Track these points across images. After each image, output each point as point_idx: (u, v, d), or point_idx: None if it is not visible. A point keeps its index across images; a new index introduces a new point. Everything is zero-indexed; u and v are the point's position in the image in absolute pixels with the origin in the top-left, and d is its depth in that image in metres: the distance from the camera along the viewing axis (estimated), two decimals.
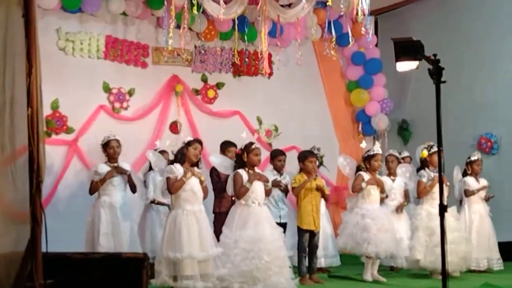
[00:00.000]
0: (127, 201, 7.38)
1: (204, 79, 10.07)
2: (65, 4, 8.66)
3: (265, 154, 8.73)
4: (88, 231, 7.23)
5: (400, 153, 8.95)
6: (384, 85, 11.16)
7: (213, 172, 7.90)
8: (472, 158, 8.32)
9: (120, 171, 7.22)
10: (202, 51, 9.99)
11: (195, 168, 6.49)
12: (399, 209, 8.13)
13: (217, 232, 6.97)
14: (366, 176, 7.40)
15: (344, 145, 11.01)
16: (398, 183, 8.21)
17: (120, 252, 6.27)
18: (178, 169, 6.35)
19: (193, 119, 9.81)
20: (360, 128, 11.30)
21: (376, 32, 11.20)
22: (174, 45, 8.74)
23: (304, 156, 7.42)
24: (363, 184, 7.32)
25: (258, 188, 6.65)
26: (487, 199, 8.32)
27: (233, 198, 7.04)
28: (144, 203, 7.88)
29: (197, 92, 9.99)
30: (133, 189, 7.44)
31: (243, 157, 6.68)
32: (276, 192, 7.64)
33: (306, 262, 7.22)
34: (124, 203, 7.28)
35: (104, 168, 7.24)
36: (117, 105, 9.25)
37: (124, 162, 7.51)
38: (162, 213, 7.59)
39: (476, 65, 10.08)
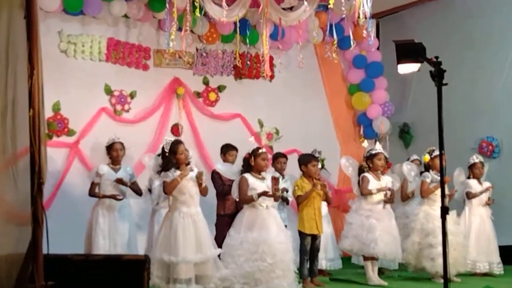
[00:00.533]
0: (127, 203, 7.40)
1: (206, 82, 10.07)
2: (67, 6, 8.67)
3: None
4: (87, 232, 7.28)
5: (409, 157, 8.98)
6: (385, 89, 11.15)
7: (215, 174, 7.90)
8: (471, 162, 8.32)
9: (121, 183, 7.27)
10: (204, 54, 9.98)
11: (193, 166, 6.48)
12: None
13: (219, 235, 6.97)
14: (370, 177, 7.40)
15: (345, 148, 11.00)
16: (385, 182, 8.23)
17: (121, 254, 6.29)
18: (173, 173, 6.34)
19: (194, 122, 9.81)
20: (361, 131, 11.29)
21: (377, 36, 11.20)
22: (176, 48, 8.75)
23: (308, 160, 7.41)
24: (374, 190, 7.32)
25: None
26: (488, 204, 8.31)
27: (237, 200, 7.05)
28: (151, 208, 7.88)
29: (198, 94, 9.99)
30: (139, 193, 7.47)
31: (250, 161, 6.70)
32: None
33: (307, 265, 7.21)
34: (123, 206, 7.31)
35: (105, 170, 7.28)
36: (118, 107, 9.25)
37: (128, 167, 7.54)
38: None
39: (477, 69, 10.07)
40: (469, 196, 8.23)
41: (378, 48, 11.26)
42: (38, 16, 3.78)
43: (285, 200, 7.87)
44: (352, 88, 11.34)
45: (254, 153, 6.72)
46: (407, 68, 4.95)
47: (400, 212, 8.27)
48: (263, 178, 6.72)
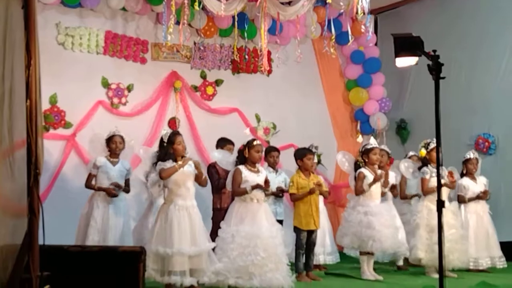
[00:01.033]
0: (122, 197, 7.40)
1: (203, 76, 10.06)
2: None
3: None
4: (80, 223, 7.28)
5: (407, 154, 8.98)
6: (383, 84, 11.16)
7: (212, 169, 7.90)
8: (467, 157, 8.32)
9: (117, 185, 7.28)
10: (202, 48, 9.98)
11: (189, 162, 6.48)
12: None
13: (216, 228, 6.98)
14: (367, 172, 7.40)
15: (342, 144, 11.01)
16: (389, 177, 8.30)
17: (117, 246, 6.28)
18: (171, 164, 6.33)
19: (191, 116, 9.80)
20: (358, 127, 11.30)
21: (375, 31, 11.20)
22: (173, 41, 8.75)
23: (303, 154, 7.41)
24: (366, 187, 7.32)
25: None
26: (486, 198, 8.28)
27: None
28: (147, 202, 7.87)
29: (196, 88, 9.98)
30: (126, 190, 7.46)
31: (244, 153, 6.70)
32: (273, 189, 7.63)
33: (303, 259, 7.22)
34: (119, 199, 7.31)
35: (103, 162, 7.30)
36: (115, 100, 9.24)
37: (126, 162, 7.54)
38: None
39: (474, 65, 10.08)
40: (460, 200, 8.21)
41: (376, 44, 11.27)
42: (36, 8, 3.77)
43: (279, 196, 7.85)
44: (349, 83, 11.35)
45: (249, 145, 6.73)
46: (405, 62, 4.96)
47: (399, 209, 8.26)
48: (257, 171, 6.73)
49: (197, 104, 9.95)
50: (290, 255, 7.13)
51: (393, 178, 8.39)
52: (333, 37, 9.81)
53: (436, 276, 6.73)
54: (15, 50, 3.64)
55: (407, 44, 4.65)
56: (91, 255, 4.77)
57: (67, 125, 8.82)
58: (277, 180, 7.90)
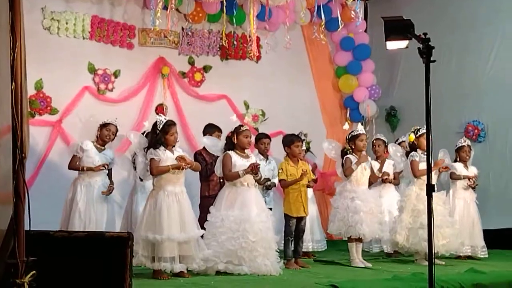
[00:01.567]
0: (106, 184, 7.32)
1: (191, 62, 9.98)
2: None
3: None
4: (65, 209, 7.23)
5: (397, 139, 8.96)
6: (372, 71, 11.13)
7: (199, 156, 7.84)
8: (459, 144, 8.31)
9: (102, 168, 7.23)
10: (190, 33, 9.89)
11: (178, 149, 6.41)
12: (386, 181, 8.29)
13: (204, 216, 6.93)
14: (353, 158, 7.37)
15: (331, 131, 10.99)
16: (387, 166, 8.27)
17: (104, 231, 6.22)
18: (163, 152, 6.25)
19: (179, 102, 9.74)
20: (348, 114, 11.26)
21: (365, 18, 11.16)
22: (161, 27, 8.66)
23: (291, 141, 7.37)
24: (354, 166, 7.29)
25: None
26: (472, 187, 8.28)
27: (221, 180, 7.01)
28: (131, 184, 7.81)
29: (183, 75, 9.90)
30: (110, 187, 7.39)
31: (233, 139, 6.65)
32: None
33: (292, 246, 7.20)
34: (103, 185, 7.25)
35: (89, 146, 7.22)
36: (102, 86, 9.15)
37: (109, 150, 7.45)
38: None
39: (464, 53, 10.08)
40: (452, 176, 8.20)
41: (365, 31, 11.21)
42: None
43: (268, 188, 7.82)
44: (339, 70, 11.30)
45: (236, 130, 6.69)
46: (395, 45, 4.91)
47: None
48: (247, 156, 6.69)
49: (185, 91, 9.88)
50: (279, 242, 7.11)
51: (390, 166, 8.37)
52: (323, 23, 9.72)
53: (425, 263, 6.75)
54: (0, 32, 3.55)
55: (398, 27, 4.61)
56: (77, 241, 4.69)
57: (53, 111, 8.73)
58: (267, 168, 7.85)
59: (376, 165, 8.16)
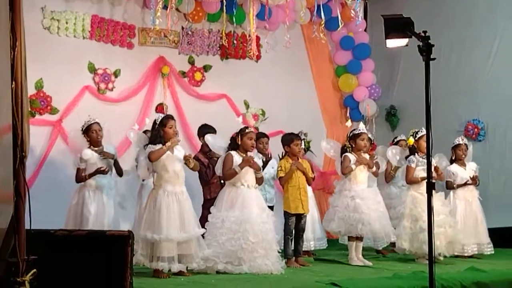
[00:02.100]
0: (112, 184, 7.34)
1: (191, 61, 9.98)
2: None
3: None
4: (71, 215, 7.16)
5: (396, 137, 8.97)
6: (372, 71, 11.14)
7: (197, 159, 7.82)
8: (456, 142, 8.31)
9: (105, 156, 7.19)
10: (189, 33, 9.89)
11: (178, 147, 6.43)
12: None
13: (205, 217, 6.93)
14: (352, 157, 7.37)
15: (331, 130, 11.00)
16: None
17: (104, 230, 6.24)
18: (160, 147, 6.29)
19: (179, 102, 9.73)
20: (348, 114, 11.26)
21: (365, 17, 11.16)
22: (161, 26, 8.67)
23: (290, 140, 7.39)
24: (353, 166, 7.29)
25: (248, 171, 6.64)
26: (475, 184, 8.28)
27: (222, 181, 7.02)
28: (140, 183, 7.81)
29: (183, 74, 9.90)
30: (120, 172, 7.41)
31: (237, 140, 6.67)
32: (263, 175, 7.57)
33: (292, 245, 7.20)
34: (109, 187, 7.26)
35: (89, 154, 7.16)
36: (102, 86, 9.15)
37: (109, 146, 7.43)
38: None
39: (464, 52, 10.09)
40: (448, 187, 8.21)
41: (365, 30, 11.21)
42: None
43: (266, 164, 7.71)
44: (339, 69, 11.30)
45: (241, 132, 6.72)
46: (395, 43, 4.92)
47: (384, 193, 8.25)
48: (250, 157, 6.70)
49: (185, 90, 9.88)
50: (280, 241, 7.12)
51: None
52: (323, 22, 9.72)
53: (425, 262, 6.75)
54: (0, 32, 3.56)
55: (397, 25, 4.62)
56: (78, 239, 4.71)
57: (53, 111, 8.73)
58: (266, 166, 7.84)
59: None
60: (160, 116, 6.47)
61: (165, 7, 8.43)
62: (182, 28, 9.84)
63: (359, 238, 7.36)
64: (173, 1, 8.30)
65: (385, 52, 10.21)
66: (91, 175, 7.11)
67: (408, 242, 7.50)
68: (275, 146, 8.37)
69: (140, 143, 6.47)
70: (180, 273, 6.13)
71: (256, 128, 10.05)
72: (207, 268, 6.31)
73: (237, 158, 6.60)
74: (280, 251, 6.80)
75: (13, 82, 3.81)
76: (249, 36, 9.28)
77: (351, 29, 10.99)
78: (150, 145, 6.28)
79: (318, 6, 9.65)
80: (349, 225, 7.21)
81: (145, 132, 6.88)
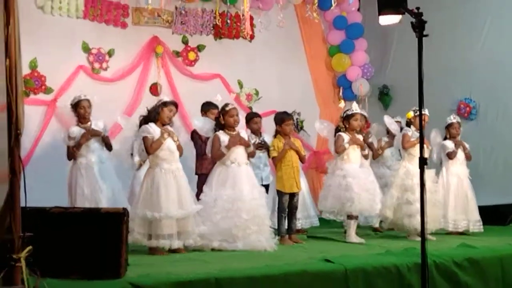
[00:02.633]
0: (104, 160, 7.35)
1: (185, 41, 9.98)
2: None
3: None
4: (68, 194, 7.24)
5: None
6: (365, 50, 11.15)
7: (195, 134, 7.88)
8: (449, 121, 8.38)
9: (93, 133, 7.20)
10: (183, 12, 9.88)
11: (168, 127, 6.46)
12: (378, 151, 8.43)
13: (198, 193, 7.00)
14: (345, 136, 7.42)
15: (324, 110, 11.03)
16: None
17: (99, 207, 6.28)
18: (154, 129, 6.32)
19: (173, 81, 9.74)
20: (341, 93, 11.30)
21: None
22: (154, 6, 8.67)
23: (281, 119, 7.40)
24: (346, 145, 7.34)
25: (237, 148, 6.68)
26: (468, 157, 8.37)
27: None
28: (128, 163, 7.86)
29: (177, 54, 9.91)
30: (109, 148, 7.40)
31: (220, 119, 6.71)
32: (257, 154, 7.61)
33: (285, 223, 7.27)
34: (101, 162, 7.27)
35: (76, 131, 7.20)
36: (96, 65, 9.16)
37: (98, 121, 7.42)
38: None
39: (456, 31, 10.09)
40: (451, 156, 8.28)
41: (358, 10, 11.21)
42: None
43: (261, 147, 7.72)
44: (332, 49, 11.31)
45: (223, 110, 6.75)
46: (388, 20, 4.94)
47: (377, 173, 8.30)
48: (237, 134, 6.74)
49: (179, 70, 9.89)
50: (274, 220, 7.19)
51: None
52: (316, 2, 9.72)
53: (417, 239, 6.84)
54: None
55: (391, 1, 4.63)
56: (73, 217, 4.77)
57: (47, 91, 8.75)
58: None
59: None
60: (165, 98, 6.50)
61: None
62: (176, 7, 9.82)
63: (354, 217, 7.42)
64: None
65: (378, 32, 10.25)
66: (79, 146, 7.11)
67: (392, 211, 7.58)
68: (269, 126, 8.40)
69: (129, 127, 6.50)
70: (175, 250, 6.19)
71: (250, 108, 10.09)
72: (203, 245, 6.37)
73: (224, 137, 6.64)
74: (274, 229, 6.86)
75: (7, 60, 3.83)
76: (243, 15, 9.26)
77: (344, 9, 10.99)
78: (143, 127, 6.29)
79: None
80: (341, 204, 7.27)
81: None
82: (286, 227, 7.27)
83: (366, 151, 7.64)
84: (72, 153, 7.21)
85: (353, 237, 7.36)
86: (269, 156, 7.52)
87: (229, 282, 4.77)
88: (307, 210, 8.29)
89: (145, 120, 6.42)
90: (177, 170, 6.33)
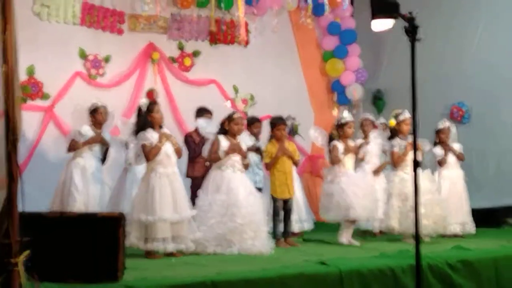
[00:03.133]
0: (99, 167, 7.45)
1: (181, 47, 10.04)
2: None
3: None
4: (58, 190, 7.30)
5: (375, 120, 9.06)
6: (359, 55, 11.22)
7: (189, 138, 7.97)
8: (440, 126, 8.44)
9: (102, 141, 7.40)
10: (178, 19, 9.95)
11: (165, 130, 6.51)
12: (376, 172, 8.30)
13: (193, 197, 7.05)
14: (340, 146, 7.44)
15: (319, 115, 11.09)
16: (373, 146, 8.37)
17: (96, 212, 6.32)
18: (152, 135, 6.36)
19: (169, 87, 9.81)
20: (335, 98, 11.36)
21: (351, 3, 11.22)
22: (150, 12, 8.72)
23: (273, 124, 7.47)
24: (341, 156, 7.38)
25: (234, 156, 6.76)
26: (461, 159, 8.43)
27: (206, 163, 7.12)
28: (123, 166, 7.92)
29: (173, 60, 9.97)
30: (104, 160, 7.53)
31: (225, 125, 6.77)
32: (252, 158, 7.66)
33: (280, 226, 7.31)
34: (96, 169, 7.38)
35: (88, 131, 7.36)
36: (93, 71, 9.23)
37: (107, 133, 7.57)
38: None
39: (449, 35, 10.15)
40: (442, 164, 8.34)
41: (352, 16, 11.29)
42: None
43: (254, 150, 7.80)
44: (326, 54, 11.38)
45: (229, 118, 6.82)
46: (381, 25, 4.97)
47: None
48: (238, 143, 6.80)
49: (175, 76, 9.96)
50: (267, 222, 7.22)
51: (378, 146, 8.50)
52: (310, 8, 9.80)
53: (411, 241, 6.87)
54: None
55: (384, 6, 4.66)
56: (70, 221, 4.80)
57: (44, 97, 8.80)
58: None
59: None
60: (144, 102, 6.54)
61: None
62: (171, 14, 9.89)
63: (353, 221, 7.47)
64: None
65: (371, 37, 10.31)
66: (88, 142, 7.26)
67: (397, 221, 7.61)
68: (264, 131, 8.46)
69: (129, 131, 6.55)
70: (171, 254, 6.22)
71: (245, 113, 10.14)
72: (198, 250, 6.40)
73: (224, 142, 6.70)
74: (270, 232, 6.91)
75: (4, 65, 3.87)
76: (238, 20, 9.32)
77: (338, 15, 11.07)
78: (141, 135, 6.33)
79: None
80: (345, 210, 7.29)
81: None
82: (281, 230, 7.31)
83: (362, 154, 7.67)
84: (75, 147, 7.30)
85: (343, 237, 7.40)
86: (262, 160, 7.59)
87: (226, 285, 4.80)
88: (299, 214, 8.32)
89: (141, 128, 6.41)
90: (173, 175, 6.38)
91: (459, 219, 8.24)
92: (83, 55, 9.17)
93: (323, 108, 11.28)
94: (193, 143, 7.78)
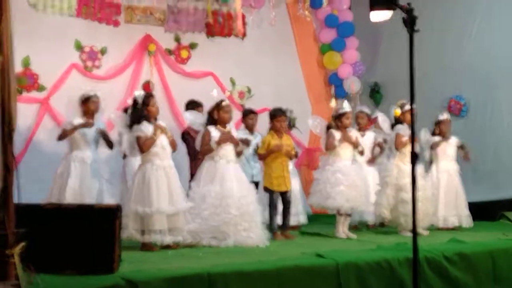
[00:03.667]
0: (97, 158, 7.41)
1: (177, 39, 10.01)
2: None
3: (238, 116, 8.77)
4: (55, 183, 7.25)
5: (371, 114, 9.05)
6: (356, 48, 11.20)
7: (186, 135, 7.91)
8: (440, 118, 8.44)
9: (88, 124, 7.25)
10: (175, 11, 9.90)
11: (160, 122, 6.48)
12: (369, 162, 8.31)
13: None
14: (337, 134, 7.44)
15: (316, 108, 11.05)
16: (367, 138, 8.38)
17: (93, 203, 6.31)
18: (147, 127, 6.34)
19: (166, 79, 9.78)
20: (332, 91, 11.34)
21: None
22: (147, 4, 8.68)
23: (273, 115, 7.42)
24: (336, 143, 7.36)
25: (226, 145, 6.71)
26: (462, 149, 8.43)
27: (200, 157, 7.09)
28: (119, 161, 7.90)
29: (170, 52, 9.93)
30: (110, 145, 7.44)
31: (213, 114, 6.72)
32: (248, 151, 7.64)
33: (277, 219, 7.28)
34: (94, 160, 7.32)
35: (80, 120, 7.29)
36: (89, 63, 9.19)
37: (100, 122, 7.51)
38: None
39: (446, 28, 10.15)
40: (434, 146, 8.33)
41: (349, 8, 11.26)
42: None
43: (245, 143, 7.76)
44: (323, 47, 11.35)
45: (217, 106, 6.75)
46: (379, 16, 4.97)
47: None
48: (228, 132, 6.76)
49: (171, 68, 9.93)
50: (265, 216, 7.21)
51: (371, 139, 8.50)
52: (307, 0, 9.77)
53: (408, 234, 6.89)
54: None
55: None
56: (67, 213, 4.79)
57: (40, 88, 8.77)
58: (254, 143, 7.92)
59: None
60: (140, 94, 6.50)
61: None
62: (168, 5, 9.85)
63: (348, 214, 7.45)
64: None
65: (369, 30, 10.29)
66: (75, 128, 7.16)
67: (389, 210, 7.63)
68: (261, 123, 8.45)
69: (123, 123, 6.51)
70: (167, 247, 6.22)
71: (242, 106, 10.12)
72: (193, 242, 6.39)
73: (214, 133, 6.65)
74: (265, 223, 6.89)
75: (0, 56, 3.86)
76: (235, 11, 9.28)
77: (335, 7, 11.04)
78: (136, 126, 6.30)
79: None
80: (325, 198, 7.28)
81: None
82: (278, 222, 7.30)
83: (361, 148, 7.66)
84: (64, 135, 7.22)
85: (340, 232, 7.39)
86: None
87: (222, 277, 4.81)
88: (296, 207, 8.31)
89: (137, 121, 6.37)
90: (169, 167, 6.37)
91: (456, 212, 8.25)
92: (79, 47, 9.14)
93: (321, 101, 11.25)
94: (191, 141, 7.71)
